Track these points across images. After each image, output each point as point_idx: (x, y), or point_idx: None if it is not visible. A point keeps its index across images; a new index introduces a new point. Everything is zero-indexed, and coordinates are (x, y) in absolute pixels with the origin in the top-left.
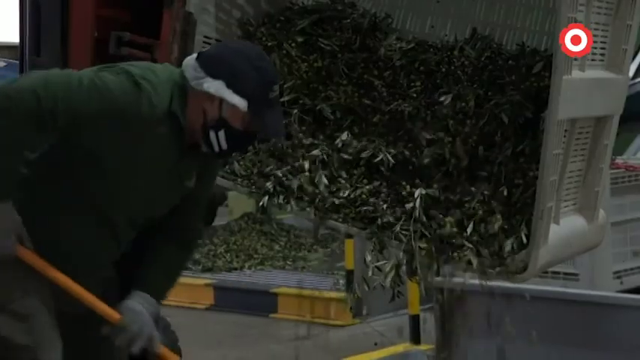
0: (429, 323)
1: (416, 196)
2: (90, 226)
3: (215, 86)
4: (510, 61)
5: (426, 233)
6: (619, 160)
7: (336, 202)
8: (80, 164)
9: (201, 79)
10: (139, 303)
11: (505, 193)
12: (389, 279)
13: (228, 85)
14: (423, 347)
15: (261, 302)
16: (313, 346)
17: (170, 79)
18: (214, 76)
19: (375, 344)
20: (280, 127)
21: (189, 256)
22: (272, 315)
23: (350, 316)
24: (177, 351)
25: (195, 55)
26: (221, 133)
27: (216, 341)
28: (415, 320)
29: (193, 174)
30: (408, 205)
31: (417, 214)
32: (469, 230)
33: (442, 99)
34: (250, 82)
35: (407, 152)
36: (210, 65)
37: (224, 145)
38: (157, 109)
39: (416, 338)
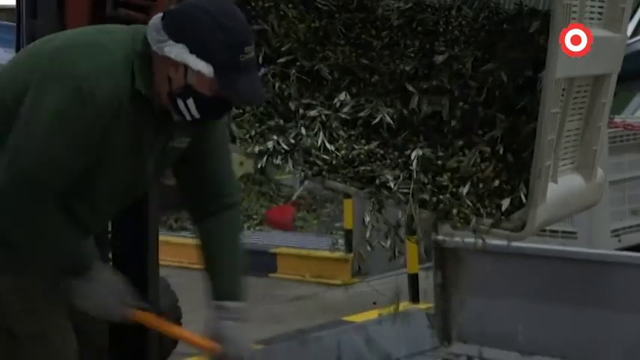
0: (427, 282)
1: (413, 157)
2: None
3: (176, 51)
4: (506, 25)
5: (425, 194)
6: (617, 119)
7: (335, 161)
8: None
9: (162, 43)
10: (227, 319)
11: (502, 151)
12: (389, 242)
13: (191, 50)
14: (421, 306)
15: (261, 262)
16: (313, 306)
17: (129, 52)
18: (176, 39)
19: (374, 303)
20: (256, 92)
21: (236, 224)
22: (272, 275)
23: (349, 275)
24: (178, 311)
25: (161, 14)
26: (190, 102)
27: None
28: (414, 279)
29: (182, 136)
30: (408, 167)
31: (415, 174)
32: (467, 189)
33: (436, 58)
34: (215, 45)
35: (405, 111)
36: (173, 26)
37: (195, 114)
38: (115, 101)
39: (415, 297)
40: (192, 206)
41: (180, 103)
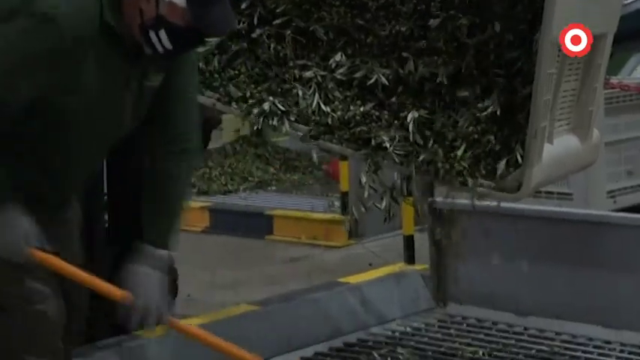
0: (423, 244)
1: (409, 119)
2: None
3: None
4: None
5: (421, 156)
6: (614, 80)
7: (330, 122)
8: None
9: None
10: (143, 264)
11: (499, 112)
12: (384, 203)
13: None
14: (417, 267)
15: (257, 224)
16: (308, 267)
17: None
18: None
19: (370, 265)
20: (227, 21)
21: (188, 170)
22: (268, 237)
23: (345, 237)
24: (174, 273)
25: None
26: (162, 33)
27: (212, 263)
28: (409, 241)
29: (156, 74)
30: (403, 128)
31: (412, 136)
32: (463, 150)
33: (432, 22)
34: None
35: (401, 71)
36: None
37: (167, 45)
38: (82, 32)
39: (410, 258)
40: (145, 145)
41: (152, 34)
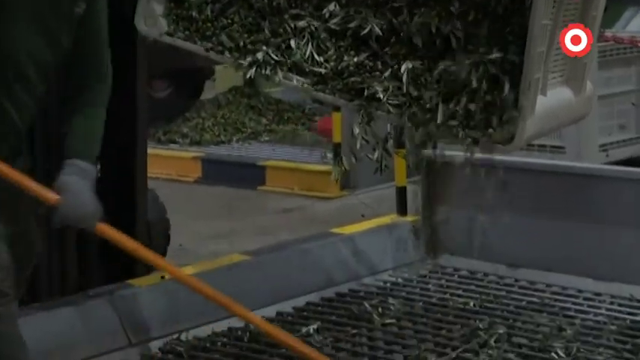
0: (415, 195)
1: (403, 70)
2: None
3: None
4: None
5: (415, 107)
6: (608, 33)
7: (323, 72)
8: None
9: None
10: (73, 175)
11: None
12: (377, 155)
13: None
14: (409, 218)
15: (250, 175)
16: (301, 218)
17: None
18: None
19: (363, 216)
20: None
21: (105, 95)
22: (260, 187)
23: (337, 188)
24: (166, 222)
25: None
26: None
27: (204, 213)
28: (402, 192)
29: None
30: (397, 79)
31: (405, 87)
32: (455, 101)
33: None
34: None
35: (395, 21)
36: None
37: None
38: None
39: (402, 210)
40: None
41: None
